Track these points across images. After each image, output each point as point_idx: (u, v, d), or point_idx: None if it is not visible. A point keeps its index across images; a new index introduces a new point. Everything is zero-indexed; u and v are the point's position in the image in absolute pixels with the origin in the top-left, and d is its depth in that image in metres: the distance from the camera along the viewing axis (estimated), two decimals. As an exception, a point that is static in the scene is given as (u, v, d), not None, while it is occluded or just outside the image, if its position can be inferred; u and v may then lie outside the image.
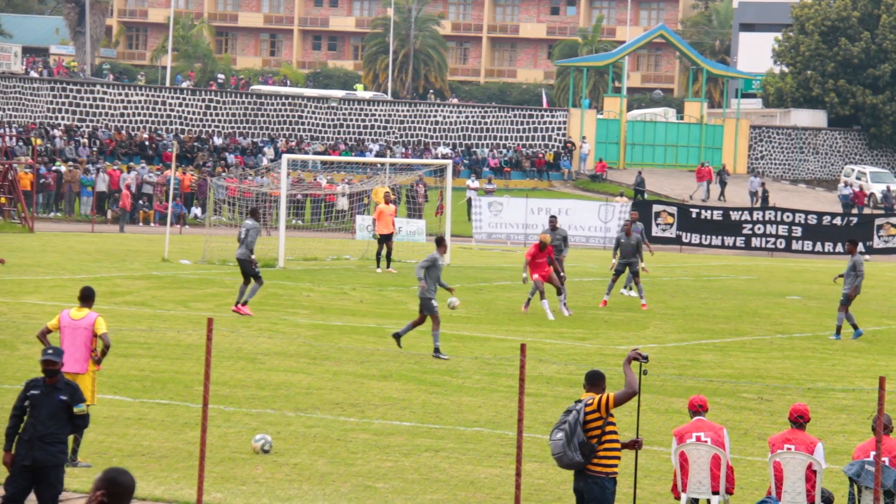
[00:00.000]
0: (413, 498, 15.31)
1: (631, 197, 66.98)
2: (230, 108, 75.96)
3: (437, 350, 24.31)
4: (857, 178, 75.88)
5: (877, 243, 57.00)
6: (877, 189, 73.67)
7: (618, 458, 12.56)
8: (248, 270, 29.02)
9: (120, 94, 74.47)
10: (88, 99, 73.18)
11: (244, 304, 28.82)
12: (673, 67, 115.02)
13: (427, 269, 24.83)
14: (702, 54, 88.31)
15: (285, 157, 45.32)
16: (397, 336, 24.73)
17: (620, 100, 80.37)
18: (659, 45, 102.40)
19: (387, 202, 42.00)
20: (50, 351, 13.07)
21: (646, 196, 69.74)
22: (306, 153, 71.47)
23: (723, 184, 72.38)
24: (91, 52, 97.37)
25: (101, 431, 17.35)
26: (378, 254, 40.45)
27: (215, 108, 75.69)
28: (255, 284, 29.08)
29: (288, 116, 76.88)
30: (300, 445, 17.38)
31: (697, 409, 14.47)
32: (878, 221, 58.26)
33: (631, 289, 35.13)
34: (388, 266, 40.12)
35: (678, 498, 14.36)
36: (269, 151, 72.52)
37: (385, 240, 40.62)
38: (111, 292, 31.55)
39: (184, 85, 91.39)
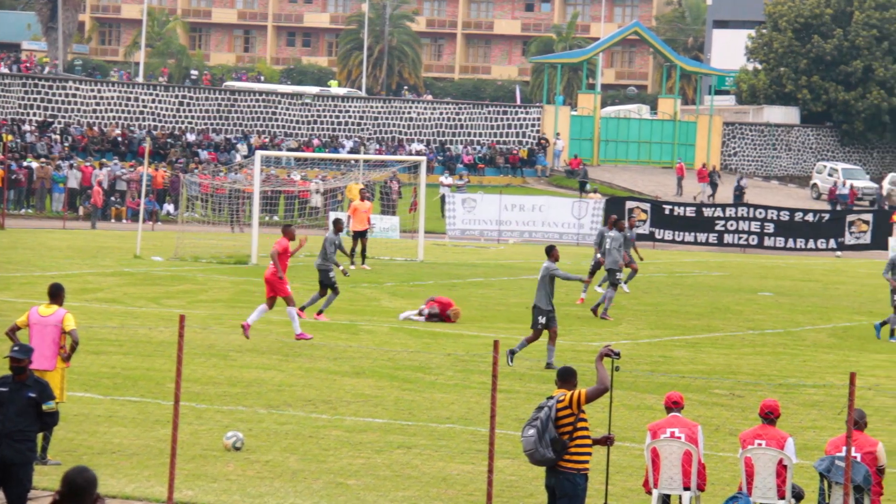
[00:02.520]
0: (385, 495, 15.29)
1: (604, 194, 67.08)
2: (203, 105, 75.75)
3: (549, 365, 23.23)
4: (830, 175, 76.16)
5: (848, 239, 57.21)
6: (859, 185, 73.88)
7: (589, 454, 12.57)
8: (325, 280, 28.62)
9: (92, 90, 74.20)
10: (60, 95, 72.88)
11: (320, 312, 28.50)
12: (647, 64, 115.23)
13: (549, 282, 23.44)
14: (675, 51, 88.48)
15: (259, 153, 45.22)
16: (550, 365, 23.24)
17: (594, 96, 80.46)
18: (633, 41, 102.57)
19: (361, 199, 41.95)
20: (16, 348, 13.00)
21: (588, 188, 69.85)
22: (280, 150, 71.33)
23: (714, 185, 72.33)
24: (63, 48, 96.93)
25: (71, 429, 17.27)
26: (352, 250, 40.42)
27: (188, 104, 75.48)
28: (332, 294, 28.70)
29: (262, 113, 76.72)
30: (272, 442, 17.34)
31: (673, 406, 14.50)
32: (849, 218, 58.48)
33: (601, 285, 34.92)
34: (362, 262, 40.09)
35: (650, 493, 14.38)
36: (243, 148, 72.35)
37: (359, 236, 40.61)
38: (82, 289, 31.43)
39: (156, 80, 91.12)
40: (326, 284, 28.51)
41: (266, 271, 25.78)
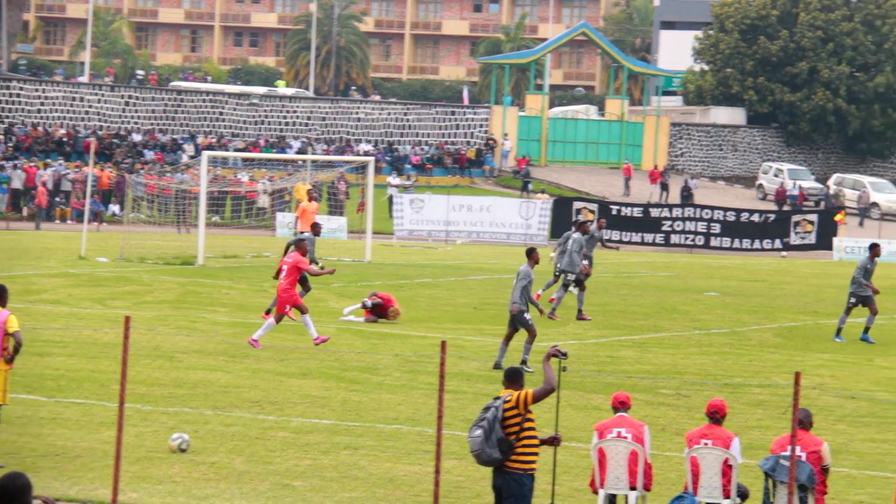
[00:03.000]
0: (332, 496, 15.24)
1: (552, 194, 67.23)
2: (149, 105, 75.33)
3: (524, 362, 23.11)
4: (775, 176, 76.66)
5: (793, 239, 57.62)
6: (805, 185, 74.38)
7: (536, 454, 12.58)
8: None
9: (37, 90, 73.63)
10: (4, 94, 72.27)
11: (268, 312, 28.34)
12: (594, 65, 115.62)
13: (525, 286, 23.29)
14: (623, 52, 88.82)
15: (205, 153, 45.01)
16: (498, 365, 23.17)
17: (542, 97, 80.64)
18: (581, 42, 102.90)
19: (310, 199, 41.88)
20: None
21: (530, 187, 70.01)
22: (227, 150, 71.05)
23: (664, 186, 72.51)
24: (7, 48, 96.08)
25: (14, 431, 17.12)
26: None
27: (134, 104, 75.04)
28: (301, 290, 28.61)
29: (208, 113, 76.38)
30: (218, 444, 17.25)
31: (619, 406, 14.53)
32: (794, 218, 58.90)
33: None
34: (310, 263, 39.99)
35: (596, 493, 14.40)
36: (190, 148, 72.02)
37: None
38: (26, 290, 31.17)
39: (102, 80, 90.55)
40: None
41: (279, 286, 25.30)
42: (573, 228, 33.10)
